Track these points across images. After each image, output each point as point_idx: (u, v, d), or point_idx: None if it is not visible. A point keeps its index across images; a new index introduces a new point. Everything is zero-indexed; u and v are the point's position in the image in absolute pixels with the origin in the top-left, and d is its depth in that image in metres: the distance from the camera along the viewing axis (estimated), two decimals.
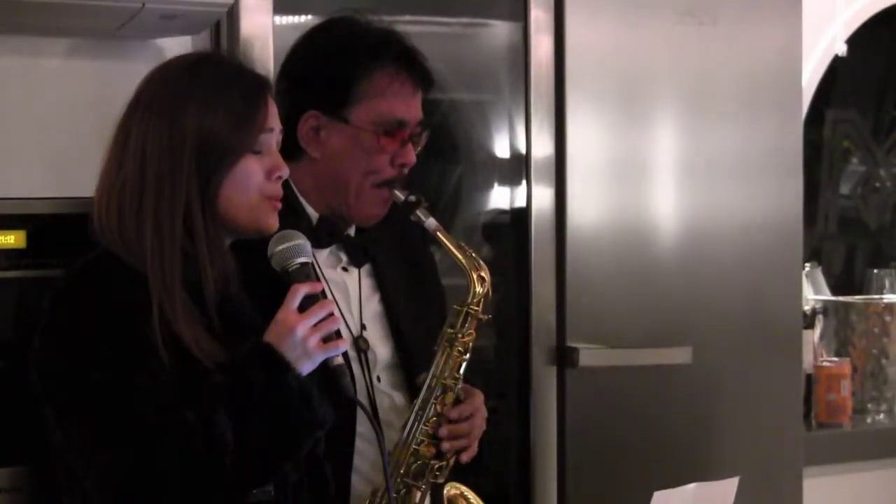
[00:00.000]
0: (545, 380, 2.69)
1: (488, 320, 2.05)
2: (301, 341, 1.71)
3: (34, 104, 2.28)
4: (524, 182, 2.73)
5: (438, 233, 2.04)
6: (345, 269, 2.10)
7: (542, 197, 2.71)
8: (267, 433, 1.69)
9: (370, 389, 2.03)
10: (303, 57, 2.11)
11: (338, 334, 1.75)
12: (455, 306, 2.04)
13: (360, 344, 2.04)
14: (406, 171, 2.07)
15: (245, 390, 1.68)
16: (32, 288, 2.02)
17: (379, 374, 2.07)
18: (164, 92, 1.74)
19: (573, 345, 2.69)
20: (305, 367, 1.72)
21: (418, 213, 2.04)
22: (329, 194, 2.07)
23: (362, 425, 2.00)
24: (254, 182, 1.76)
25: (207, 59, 1.83)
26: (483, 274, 2.02)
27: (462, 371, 2.02)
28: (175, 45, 2.28)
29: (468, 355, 2.01)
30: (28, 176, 2.26)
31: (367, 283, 2.10)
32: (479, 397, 2.06)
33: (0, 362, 2.10)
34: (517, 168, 2.74)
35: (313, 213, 2.08)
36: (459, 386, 2.02)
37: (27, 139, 2.28)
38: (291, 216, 1.96)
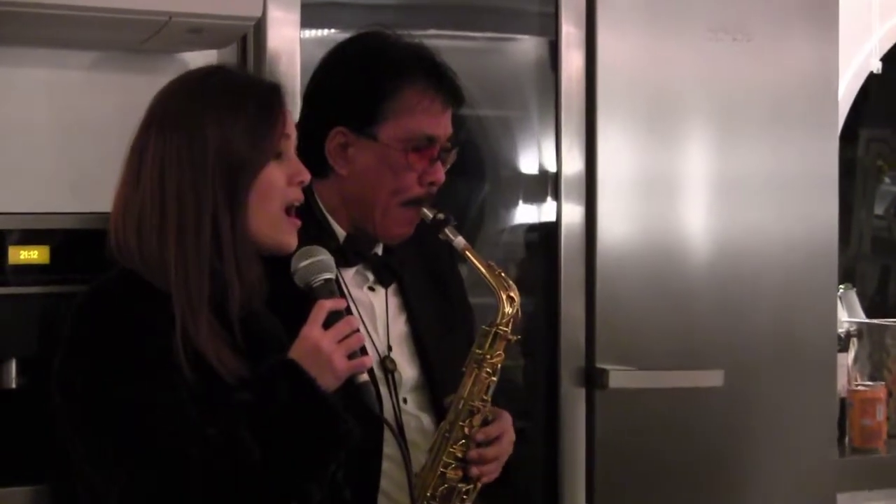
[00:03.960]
0: (574, 402, 2.69)
1: (517, 341, 2.05)
2: (326, 358, 1.72)
3: (58, 117, 2.31)
4: (552, 199, 2.73)
5: (467, 251, 2.04)
6: (371, 289, 2.10)
7: (572, 214, 2.72)
8: (292, 450, 1.69)
9: (397, 411, 2.04)
10: (331, 72, 2.12)
11: (363, 351, 1.76)
12: (483, 327, 2.04)
13: (387, 364, 2.05)
14: (435, 189, 2.08)
15: (269, 406, 1.69)
16: (56, 304, 2.04)
17: (406, 396, 2.08)
18: (178, 107, 1.75)
19: (603, 366, 2.69)
20: (330, 384, 1.73)
21: (447, 231, 2.04)
22: (356, 212, 2.07)
23: (389, 447, 2.00)
24: (277, 189, 1.77)
25: (216, 71, 1.84)
26: (512, 294, 2.02)
27: (490, 393, 2.02)
28: (201, 59, 2.30)
29: (496, 377, 2.02)
30: (52, 190, 2.28)
31: (393, 302, 2.10)
32: (507, 420, 2.06)
33: (23, 379, 2.15)
34: (544, 185, 2.76)
35: (340, 232, 2.09)
36: (487, 408, 2.02)
37: (51, 153, 2.31)
38: (318, 234, 1.97)
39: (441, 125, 2.07)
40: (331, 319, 1.74)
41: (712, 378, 2.74)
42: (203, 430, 1.66)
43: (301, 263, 1.80)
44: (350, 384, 1.75)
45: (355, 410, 1.75)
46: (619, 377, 2.68)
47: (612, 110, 2.73)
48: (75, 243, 2.12)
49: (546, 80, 2.72)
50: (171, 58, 2.33)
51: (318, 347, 1.72)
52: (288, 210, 1.79)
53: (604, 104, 2.72)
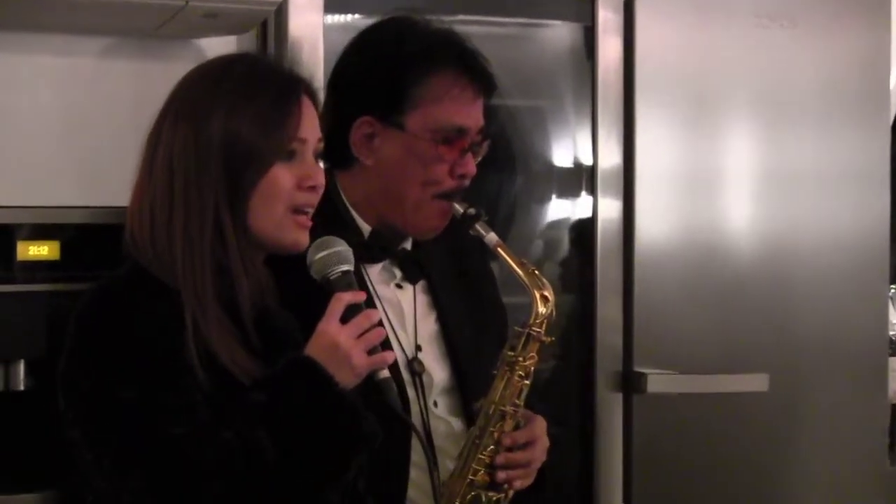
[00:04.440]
0: (610, 407, 2.68)
1: (551, 343, 2.02)
2: (344, 353, 1.69)
3: (70, 107, 2.29)
4: (588, 194, 2.72)
5: (499, 248, 1.99)
6: (398, 286, 2.06)
7: (609, 210, 2.70)
8: (310, 451, 1.66)
9: (425, 415, 2.00)
10: (356, 59, 2.08)
11: (384, 346, 1.73)
12: (516, 328, 2.00)
13: (415, 366, 2.01)
14: (467, 182, 2.02)
15: (286, 406, 1.67)
16: (66, 303, 1.97)
17: (436, 399, 2.04)
18: (192, 97, 1.73)
19: (641, 370, 2.68)
20: (349, 381, 1.70)
21: (477, 227, 2.00)
22: (383, 206, 2.03)
23: (417, 453, 1.96)
24: (283, 191, 1.73)
25: (239, 60, 1.80)
26: (546, 293, 1.98)
27: (523, 397, 1.98)
28: (219, 46, 2.27)
29: (529, 380, 1.98)
30: (62, 183, 2.26)
31: (422, 300, 2.07)
32: (539, 425, 2.02)
33: (31, 381, 2.14)
34: (579, 179, 2.74)
35: (365, 226, 2.05)
36: (519, 413, 1.99)
37: (61, 144, 2.29)
38: (340, 229, 1.92)
39: (472, 115, 2.02)
40: (349, 313, 1.71)
41: (756, 382, 2.72)
42: (217, 433, 1.63)
43: (317, 255, 1.76)
44: (370, 381, 1.72)
45: (377, 411, 1.72)
46: (658, 381, 2.66)
47: (651, 100, 2.71)
48: (87, 239, 2.10)
49: (581, 68, 2.71)
50: (187, 44, 2.30)
51: (336, 343, 1.69)
52: (297, 211, 1.76)
53: (643, 93, 2.70)
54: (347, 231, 1.96)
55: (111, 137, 2.22)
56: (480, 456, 1.97)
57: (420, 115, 2.00)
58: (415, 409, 1.99)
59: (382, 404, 1.73)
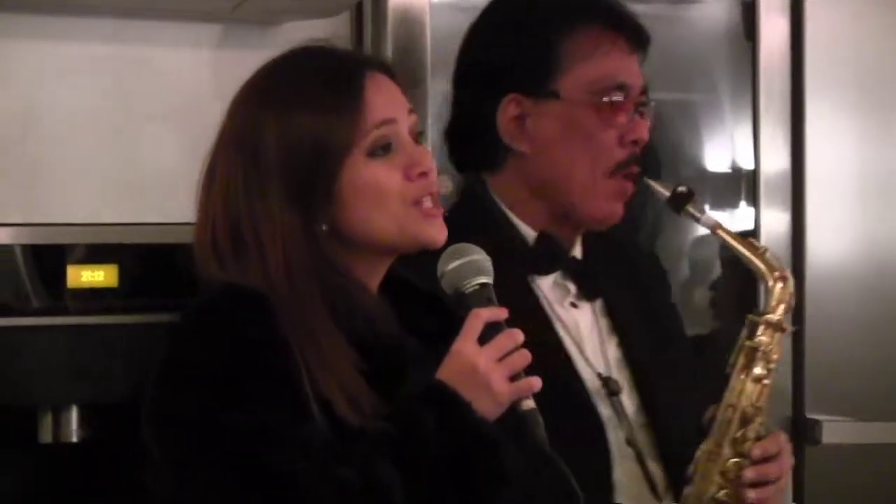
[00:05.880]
0: None
1: (795, 332, 2.03)
2: (483, 378, 1.62)
3: (127, 104, 2.23)
4: (748, 204, 2.65)
5: (719, 230, 1.92)
6: (573, 305, 1.99)
7: (775, 223, 2.62)
8: (443, 490, 1.60)
9: (630, 433, 1.93)
10: (487, 34, 2.02)
11: (528, 371, 1.65)
12: (750, 316, 1.93)
13: (612, 385, 1.93)
14: (639, 150, 1.96)
15: (415, 438, 1.60)
16: (127, 337, 1.98)
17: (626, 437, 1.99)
18: (241, 125, 1.70)
19: (814, 416, 2.59)
20: (490, 411, 1.63)
21: (689, 208, 1.93)
22: (548, 199, 1.97)
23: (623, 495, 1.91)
24: (389, 187, 1.67)
25: (284, 58, 1.76)
26: (783, 273, 1.92)
27: (764, 399, 1.91)
28: (305, 31, 2.11)
29: (770, 379, 1.91)
30: (120, 195, 2.20)
31: (602, 322, 2.01)
32: (783, 435, 1.95)
33: (84, 431, 2.07)
34: (737, 186, 2.66)
35: (529, 232, 1.98)
36: (762, 418, 1.91)
37: (119, 148, 2.22)
38: (499, 238, 1.90)
39: (632, 70, 1.96)
40: (488, 333, 1.64)
41: None
42: (335, 470, 1.57)
43: (449, 265, 1.68)
44: (513, 413, 1.64)
45: (525, 447, 1.66)
46: (835, 430, 2.57)
47: (823, 92, 2.64)
48: (149, 261, 2.05)
49: (741, 54, 2.64)
50: (268, 30, 2.24)
51: (474, 367, 1.62)
52: (419, 202, 1.70)
53: (813, 84, 2.63)
54: (508, 239, 1.95)
55: (177, 141, 2.17)
56: (722, 470, 1.90)
57: (574, 76, 1.94)
58: (614, 435, 1.93)
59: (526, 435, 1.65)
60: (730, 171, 2.66)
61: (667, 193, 1.93)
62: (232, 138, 1.71)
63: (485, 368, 1.62)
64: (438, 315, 1.74)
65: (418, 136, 1.72)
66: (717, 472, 1.89)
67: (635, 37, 1.98)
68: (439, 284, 1.70)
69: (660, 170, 2.54)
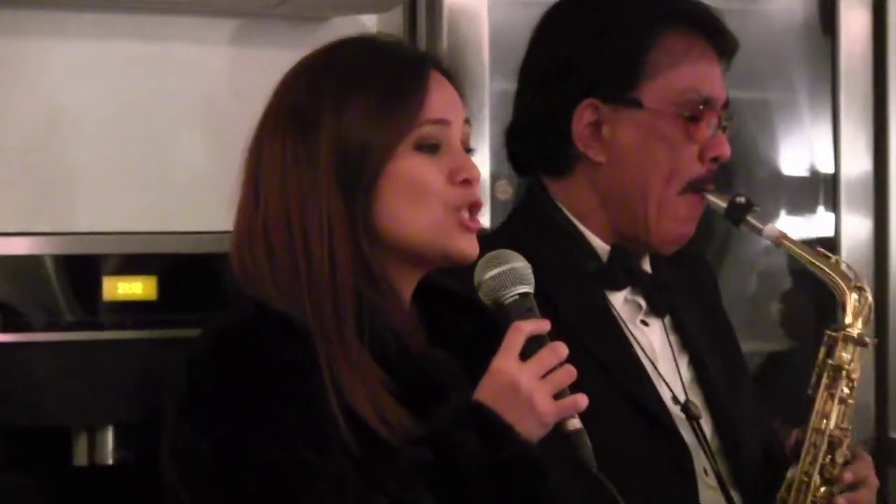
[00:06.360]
0: None
1: (875, 345, 1.95)
2: (526, 397, 1.58)
3: (165, 104, 2.22)
4: (827, 210, 2.62)
5: (785, 241, 1.88)
6: (644, 322, 1.95)
7: (856, 229, 2.58)
8: None
9: (713, 461, 1.88)
10: (563, 32, 1.96)
11: (573, 388, 1.61)
12: (828, 332, 1.89)
13: (691, 409, 1.88)
14: (716, 168, 1.92)
15: (453, 463, 1.57)
16: (165, 354, 1.92)
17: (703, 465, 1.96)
18: (291, 99, 1.68)
19: None
20: (533, 432, 1.59)
21: (750, 219, 1.88)
22: (621, 213, 1.92)
23: None
24: (430, 187, 1.64)
25: (341, 45, 1.74)
26: (859, 284, 1.88)
27: (849, 419, 1.89)
28: (354, 28, 2.19)
29: (854, 398, 1.88)
30: (157, 203, 2.19)
31: (671, 340, 1.96)
32: (868, 458, 1.92)
33: (120, 452, 2.06)
34: (815, 190, 2.62)
35: (600, 245, 1.93)
36: (850, 440, 1.88)
37: (156, 151, 2.22)
38: (569, 250, 1.89)
39: (717, 82, 1.92)
40: (530, 347, 1.60)
41: None
42: (370, 498, 1.55)
43: (487, 273, 1.63)
44: (557, 433, 1.60)
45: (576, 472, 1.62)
46: None
47: None
48: (190, 272, 2.01)
49: (818, 49, 2.60)
50: (315, 27, 2.22)
51: (516, 384, 1.58)
52: (458, 209, 1.67)
53: None
54: (578, 252, 1.92)
55: (217, 144, 2.15)
56: (813, 499, 1.87)
57: (657, 85, 1.88)
58: (699, 460, 1.87)
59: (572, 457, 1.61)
60: (808, 174, 2.65)
61: (724, 205, 1.89)
62: (283, 113, 1.67)
63: (527, 387, 1.59)
64: (475, 319, 1.70)
65: (469, 149, 1.70)
66: (807, 502, 1.86)
67: (723, 45, 1.92)
68: (476, 293, 1.67)
69: (733, 172, 2.52)
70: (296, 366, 1.58)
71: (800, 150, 2.63)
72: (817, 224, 2.61)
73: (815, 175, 2.62)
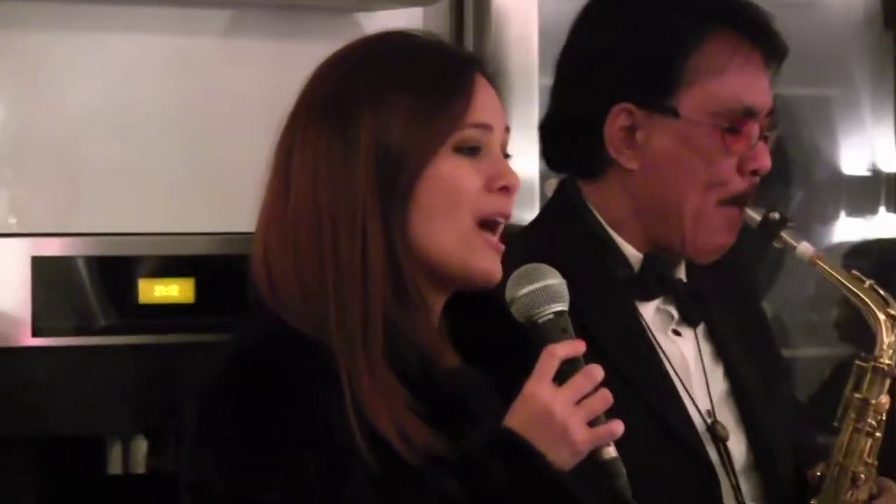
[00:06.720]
0: None
1: None
2: (560, 425, 1.56)
3: (197, 100, 2.16)
4: (888, 210, 2.65)
5: (818, 260, 1.86)
6: (676, 332, 1.92)
7: None
8: None
9: (739, 494, 1.85)
10: (602, 27, 1.93)
11: (608, 415, 1.58)
12: (857, 362, 1.87)
13: (719, 431, 1.86)
14: (757, 181, 1.88)
15: (483, 494, 1.55)
16: (203, 359, 1.84)
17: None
18: (326, 92, 1.65)
19: None
20: (566, 462, 1.56)
21: (784, 235, 1.86)
22: (654, 221, 1.89)
23: None
24: (467, 193, 1.61)
25: (383, 38, 1.72)
26: (893, 311, 1.86)
27: (874, 454, 1.87)
28: (398, 22, 2.13)
29: (881, 431, 1.86)
30: (195, 203, 2.14)
31: (705, 350, 1.93)
32: (894, 487, 1.92)
33: (154, 461, 2.07)
34: (876, 190, 2.63)
35: (633, 253, 1.90)
36: (874, 476, 1.87)
37: (191, 149, 2.16)
38: (599, 256, 1.87)
39: (761, 91, 1.86)
40: (564, 371, 1.57)
41: None
42: None
43: (521, 290, 1.59)
44: (591, 461, 1.57)
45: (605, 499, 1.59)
46: None
47: None
48: (229, 274, 1.91)
49: (879, 43, 2.60)
50: (354, 18, 2.20)
51: (550, 411, 1.55)
52: (485, 225, 1.63)
53: None
54: (610, 261, 1.89)
55: (257, 141, 1.99)
56: None
57: (696, 93, 1.84)
58: (725, 487, 1.85)
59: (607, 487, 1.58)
60: (869, 173, 2.63)
61: (758, 218, 1.87)
62: (318, 105, 1.64)
63: (561, 414, 1.56)
64: (509, 327, 1.66)
65: (507, 154, 1.67)
66: None
67: (772, 50, 1.87)
68: (508, 310, 1.63)
69: (791, 171, 2.55)
70: (318, 395, 1.56)
71: (860, 149, 2.64)
72: (878, 225, 2.62)
73: (876, 174, 2.62)
